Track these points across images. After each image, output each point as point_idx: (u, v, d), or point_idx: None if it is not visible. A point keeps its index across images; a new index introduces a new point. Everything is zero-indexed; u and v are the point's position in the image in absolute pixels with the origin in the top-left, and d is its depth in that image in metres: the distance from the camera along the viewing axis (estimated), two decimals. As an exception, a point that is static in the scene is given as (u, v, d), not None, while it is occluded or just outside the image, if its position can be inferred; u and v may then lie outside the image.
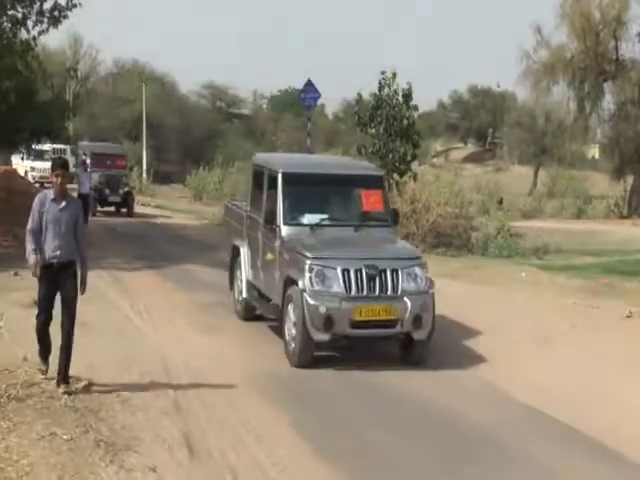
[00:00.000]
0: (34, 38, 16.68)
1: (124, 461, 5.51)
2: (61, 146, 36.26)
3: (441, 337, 9.12)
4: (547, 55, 39.63)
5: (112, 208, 26.73)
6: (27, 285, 11.79)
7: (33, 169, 37.25)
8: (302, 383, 7.80)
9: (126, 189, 26.26)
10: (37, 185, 35.11)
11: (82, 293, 7.05)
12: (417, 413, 7.08)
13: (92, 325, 9.41)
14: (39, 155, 35.51)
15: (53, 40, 57.15)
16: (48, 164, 33.67)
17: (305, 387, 7.68)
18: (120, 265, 14.92)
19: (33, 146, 34.04)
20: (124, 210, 26.51)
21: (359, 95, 22.15)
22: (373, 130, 20.99)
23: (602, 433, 6.60)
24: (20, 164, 37.73)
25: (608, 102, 39.72)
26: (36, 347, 7.25)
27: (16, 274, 12.64)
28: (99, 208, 25.98)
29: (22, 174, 36.83)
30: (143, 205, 31.77)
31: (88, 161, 24.81)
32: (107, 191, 25.69)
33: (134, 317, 10.24)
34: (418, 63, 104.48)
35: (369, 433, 6.52)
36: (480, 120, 77.13)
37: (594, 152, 57.77)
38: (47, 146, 37.59)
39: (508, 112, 63.62)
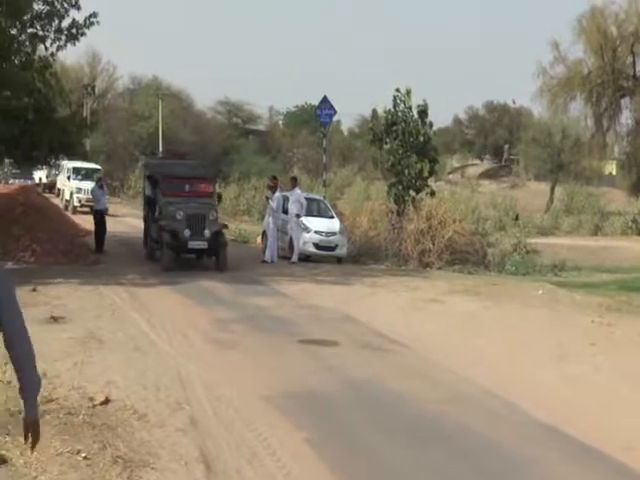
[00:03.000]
0: (52, 54, 16.93)
1: (141, 478, 5.49)
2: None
3: (456, 353, 9.04)
4: (564, 71, 39.71)
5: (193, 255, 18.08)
6: (45, 300, 11.99)
7: (80, 190, 32.53)
8: (318, 400, 7.75)
9: (215, 228, 17.07)
10: (85, 209, 29.49)
11: (32, 450, 3.99)
12: (423, 426, 7.04)
13: (109, 341, 9.51)
14: (87, 175, 32.46)
15: (71, 56, 57.71)
16: None
17: (322, 404, 7.63)
18: (136, 281, 15.01)
19: (80, 164, 32.87)
20: (210, 258, 17.50)
21: (374, 111, 22.23)
22: (388, 146, 21.02)
23: (619, 452, 6.52)
24: (66, 184, 34.77)
25: (626, 118, 39.73)
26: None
27: (34, 289, 12.79)
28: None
29: (67, 196, 34.09)
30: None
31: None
32: (186, 232, 16.66)
33: (150, 333, 10.25)
34: (434, 78, 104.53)
35: (385, 452, 6.47)
36: (496, 136, 77.08)
37: (611, 168, 57.50)
38: (89, 164, 35.29)
39: (524, 128, 63.53)
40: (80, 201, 32.29)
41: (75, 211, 31.73)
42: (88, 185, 30.67)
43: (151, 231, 18.48)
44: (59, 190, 40.98)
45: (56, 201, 32.46)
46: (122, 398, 7.22)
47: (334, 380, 8.47)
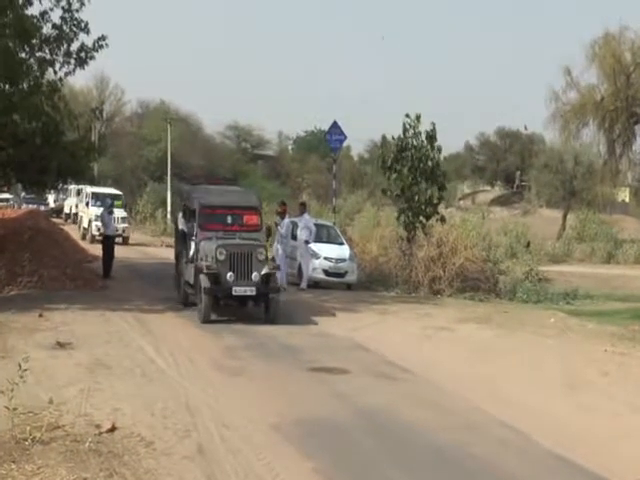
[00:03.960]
0: (60, 79, 16.91)
1: (148, 506, 5.44)
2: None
3: (467, 382, 8.94)
4: (576, 97, 39.72)
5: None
6: (51, 326, 11.98)
7: (99, 218, 27.67)
8: (327, 428, 7.68)
9: (265, 270, 13.99)
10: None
11: None
12: (434, 455, 6.94)
13: (116, 367, 9.47)
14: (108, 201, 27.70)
15: (79, 80, 58.06)
16: (119, 212, 28.16)
17: (331, 433, 7.55)
18: (144, 307, 14.94)
19: (100, 190, 31.23)
20: (258, 306, 14.35)
21: (383, 138, 22.28)
22: (395, 175, 20.98)
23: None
24: (84, 211, 32.26)
25: (639, 145, 39.58)
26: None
27: (41, 315, 12.79)
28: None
29: (85, 224, 31.55)
30: (168, 247, 31.82)
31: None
32: (229, 276, 13.65)
33: (158, 360, 10.20)
34: (445, 104, 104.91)
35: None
36: (508, 162, 77.15)
37: (624, 195, 57.34)
38: (107, 189, 33.42)
39: (536, 154, 63.48)
40: (99, 229, 27.41)
41: (94, 240, 28.64)
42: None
43: (185, 273, 15.32)
44: (67, 215, 39.97)
45: (67, 228, 31.69)
46: (129, 425, 7.17)
47: (344, 408, 8.39)
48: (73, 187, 36.75)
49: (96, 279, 18.62)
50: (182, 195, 17.08)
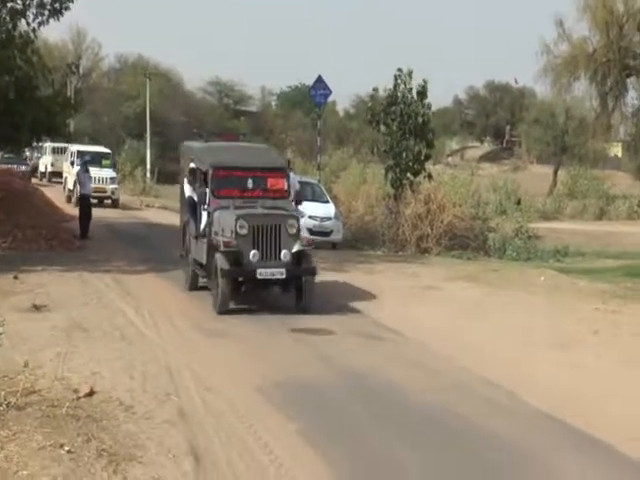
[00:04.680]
0: (34, 30, 16.38)
1: (128, 472, 5.34)
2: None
3: (454, 342, 8.83)
4: (568, 49, 39.18)
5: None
6: (27, 288, 11.78)
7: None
8: (310, 390, 7.59)
9: (296, 247, 11.33)
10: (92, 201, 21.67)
11: None
12: (420, 416, 6.88)
13: (94, 330, 9.31)
14: (95, 160, 27.34)
15: (55, 34, 56.87)
16: (107, 172, 27.38)
17: (315, 395, 7.46)
18: (123, 268, 14.70)
19: (87, 148, 30.16)
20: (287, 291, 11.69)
21: (374, 90, 21.98)
22: (384, 128, 20.72)
23: (625, 443, 6.31)
24: (70, 172, 30.02)
25: (632, 98, 39.25)
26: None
27: (16, 277, 12.57)
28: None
29: (70, 185, 29.19)
30: (147, 206, 31.52)
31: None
32: (252, 254, 11.09)
33: (138, 322, 10.04)
34: (433, 57, 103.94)
35: (381, 443, 6.28)
36: (497, 117, 76.70)
37: (617, 150, 57.19)
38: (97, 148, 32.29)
39: (527, 109, 63.08)
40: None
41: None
42: (96, 172, 25.90)
43: (194, 250, 12.58)
44: (42, 174, 38.99)
45: (44, 188, 30.40)
46: (108, 389, 7.05)
47: (328, 370, 8.30)
48: (48, 145, 36.20)
49: (73, 240, 18.16)
50: (188, 154, 13.89)
